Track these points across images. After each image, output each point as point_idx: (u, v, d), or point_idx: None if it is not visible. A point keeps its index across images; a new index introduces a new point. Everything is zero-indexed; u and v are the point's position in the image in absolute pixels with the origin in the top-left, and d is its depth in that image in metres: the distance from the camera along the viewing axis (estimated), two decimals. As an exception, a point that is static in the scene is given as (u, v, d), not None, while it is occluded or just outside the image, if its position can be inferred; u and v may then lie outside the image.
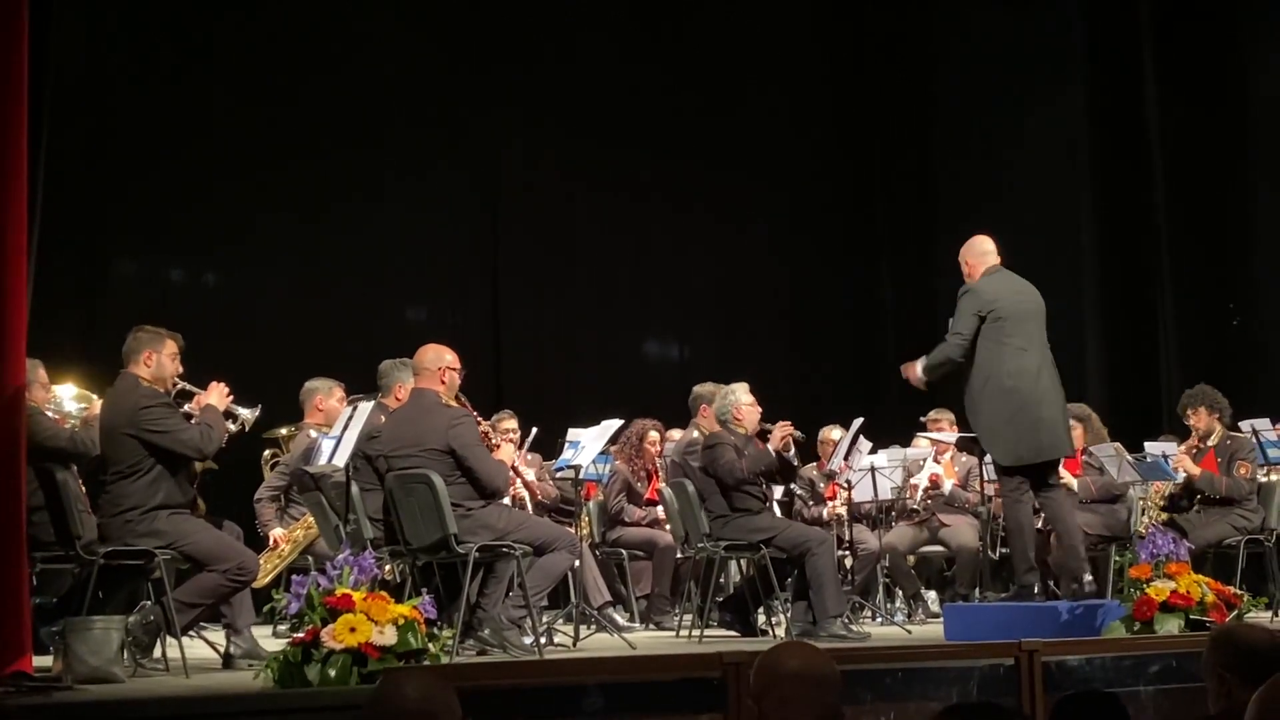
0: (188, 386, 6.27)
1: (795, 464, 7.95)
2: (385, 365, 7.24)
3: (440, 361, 6.57)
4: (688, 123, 12.19)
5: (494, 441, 6.83)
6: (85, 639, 5.23)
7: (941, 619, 7.40)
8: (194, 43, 10.22)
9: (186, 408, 6.20)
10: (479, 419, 6.64)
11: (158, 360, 6.13)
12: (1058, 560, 6.87)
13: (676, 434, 8.96)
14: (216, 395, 6.24)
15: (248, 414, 6.62)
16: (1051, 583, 7.33)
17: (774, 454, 7.41)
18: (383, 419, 6.67)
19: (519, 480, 7.79)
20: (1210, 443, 8.27)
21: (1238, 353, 11.08)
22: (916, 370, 6.99)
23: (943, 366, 6.86)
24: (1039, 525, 7.14)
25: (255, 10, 10.50)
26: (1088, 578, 6.69)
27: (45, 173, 8.30)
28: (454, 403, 6.56)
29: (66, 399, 6.51)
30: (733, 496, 7.37)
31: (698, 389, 8.64)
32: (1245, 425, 8.25)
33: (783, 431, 7.45)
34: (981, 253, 6.94)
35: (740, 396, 7.60)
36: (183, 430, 6.00)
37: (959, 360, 6.78)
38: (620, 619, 8.25)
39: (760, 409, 7.64)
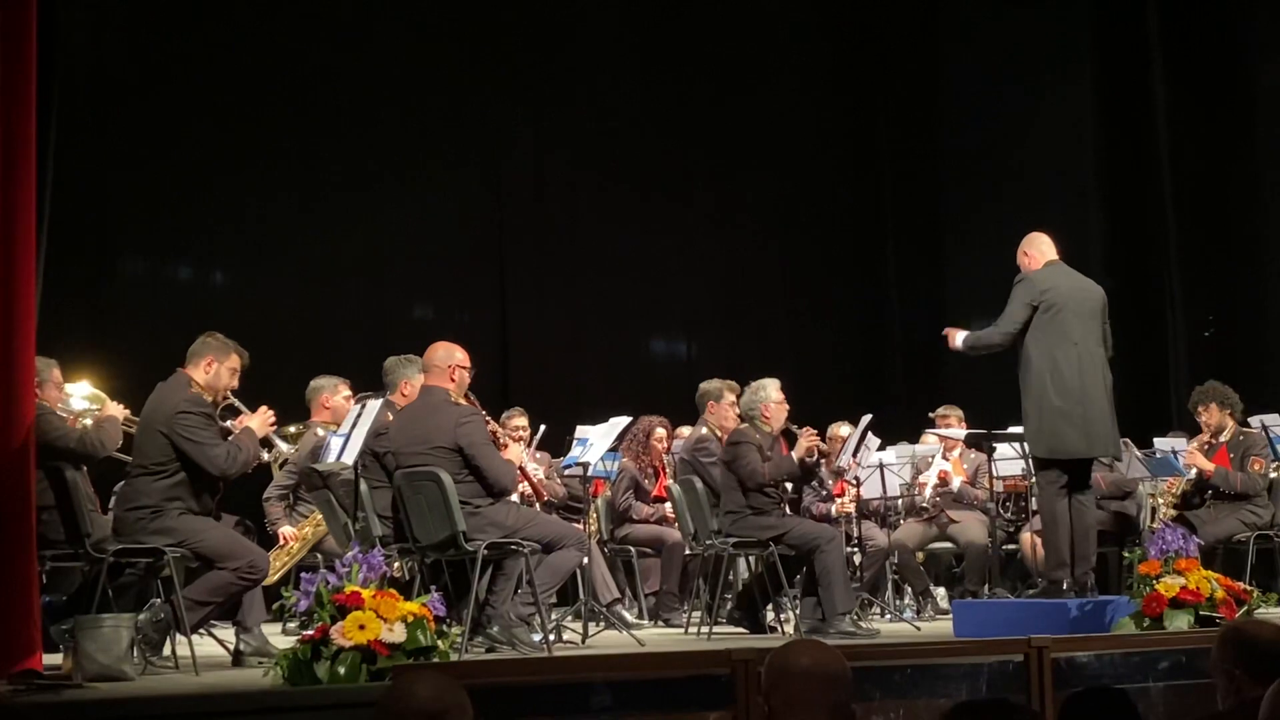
0: (237, 404, 6.27)
1: (817, 472, 7.95)
2: (390, 362, 7.23)
3: (450, 359, 6.57)
4: (694, 121, 12.18)
5: (502, 440, 6.83)
6: (95, 637, 5.23)
7: (950, 615, 7.39)
8: (202, 42, 10.23)
9: (229, 423, 6.21)
10: (487, 418, 6.64)
11: (217, 370, 6.14)
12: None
13: (685, 431, 8.96)
14: (259, 420, 6.24)
15: (285, 447, 6.63)
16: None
17: (797, 462, 7.42)
18: (390, 416, 6.67)
19: (526, 481, 7.78)
20: (1223, 438, 8.26)
21: (1247, 348, 11.06)
22: (958, 340, 6.93)
23: (984, 349, 6.83)
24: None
25: (262, 11, 10.51)
26: (1091, 584, 6.65)
27: (54, 172, 8.36)
28: (463, 401, 6.56)
29: (77, 397, 6.52)
30: (750, 496, 7.38)
31: (704, 386, 8.64)
32: (1255, 421, 8.24)
33: (809, 443, 7.46)
34: (1041, 245, 6.88)
35: (770, 393, 7.59)
36: (211, 445, 5.99)
37: (1001, 345, 6.73)
38: (629, 616, 8.26)
39: (789, 407, 7.64)
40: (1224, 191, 11.47)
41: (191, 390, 6.06)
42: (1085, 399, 6.58)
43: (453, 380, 6.54)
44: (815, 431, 7.57)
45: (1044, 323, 6.63)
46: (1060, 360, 6.58)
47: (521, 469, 6.91)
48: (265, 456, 6.43)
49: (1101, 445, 6.71)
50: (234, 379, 6.20)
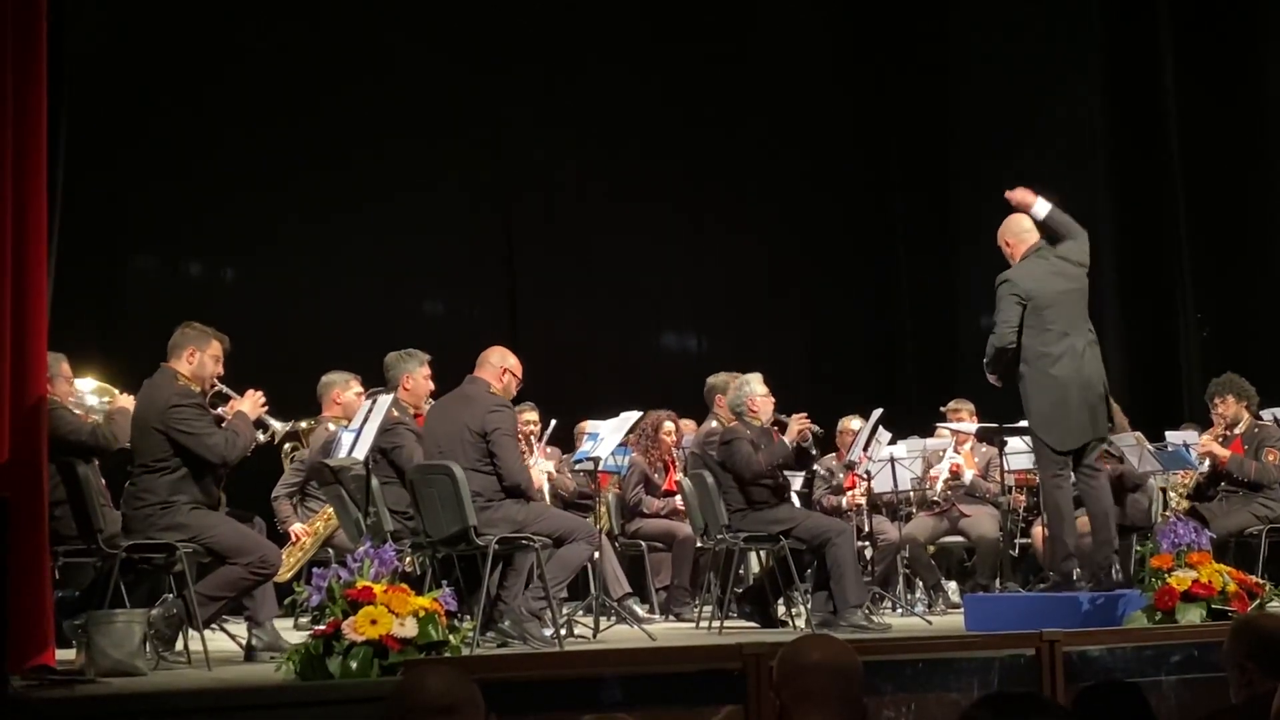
0: (225, 390, 6.28)
1: (814, 453, 7.94)
2: (391, 358, 7.21)
3: (504, 362, 6.74)
4: (704, 113, 12.17)
5: (530, 462, 6.95)
6: (107, 632, 5.25)
7: (962, 609, 7.39)
8: (211, 41, 10.23)
9: (220, 410, 6.22)
10: (521, 435, 6.72)
11: (200, 359, 6.14)
12: (1082, 549, 6.76)
13: (690, 424, 8.97)
14: (250, 403, 6.25)
15: (279, 426, 6.64)
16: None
17: (790, 447, 7.41)
18: (395, 413, 6.67)
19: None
20: (1238, 430, 8.22)
21: (1260, 340, 11.02)
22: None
23: (1000, 357, 6.69)
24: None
25: (273, 11, 10.52)
26: (1115, 569, 6.59)
27: (65, 168, 8.37)
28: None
29: (87, 393, 6.54)
30: (750, 491, 7.38)
31: (712, 380, 8.65)
32: (1267, 414, 8.22)
33: (799, 425, 7.45)
34: (1020, 230, 6.83)
35: (754, 387, 7.61)
36: (209, 434, 6.00)
37: (1010, 345, 6.63)
38: (640, 610, 8.26)
39: (774, 399, 7.65)
40: (1236, 186, 11.42)
41: (179, 383, 6.06)
42: (1089, 385, 6.56)
43: (500, 381, 6.68)
44: (805, 415, 7.55)
45: (1033, 319, 6.59)
46: (1059, 352, 6.55)
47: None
48: (261, 438, 6.43)
49: (1101, 426, 6.65)
50: (218, 366, 6.20)
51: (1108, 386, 6.76)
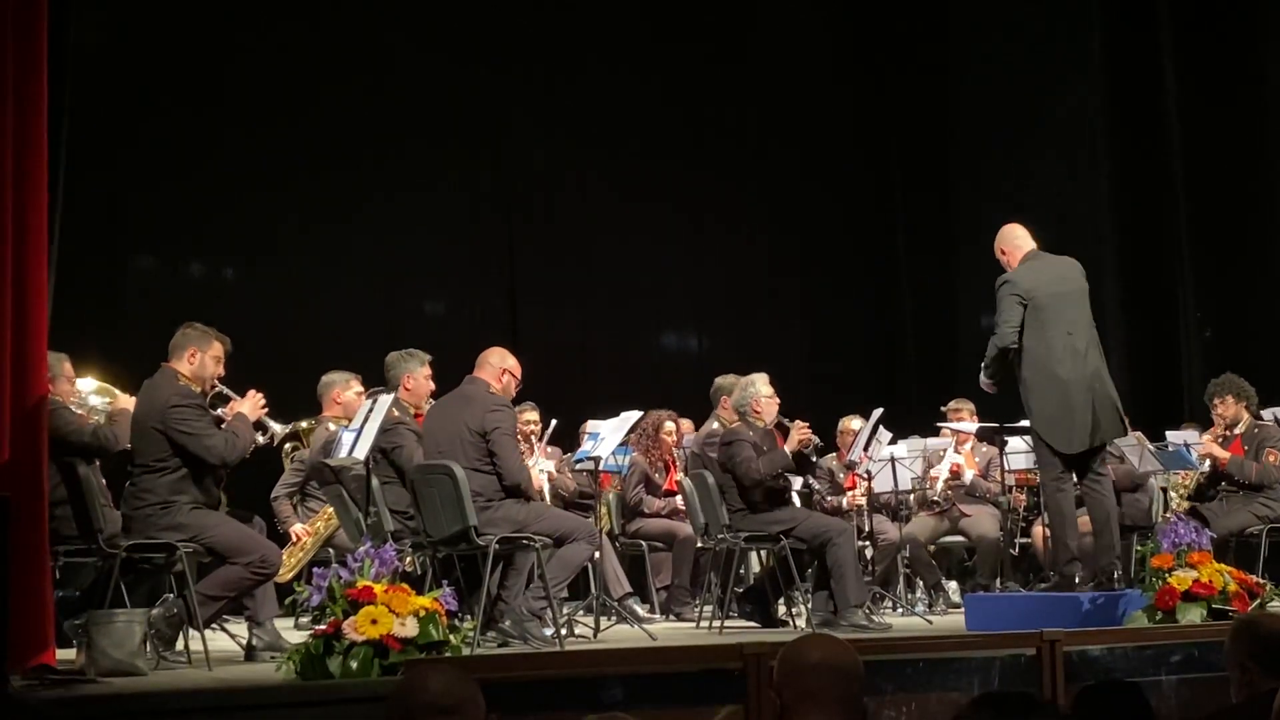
0: (225, 390, 6.28)
1: (814, 460, 7.94)
2: (392, 357, 7.20)
3: (504, 363, 6.76)
4: (705, 113, 12.17)
5: (531, 462, 6.97)
6: (108, 632, 5.25)
7: (962, 609, 7.38)
8: (212, 41, 10.23)
9: (220, 411, 6.21)
10: (521, 435, 6.74)
11: (201, 359, 6.14)
12: (1084, 548, 6.75)
13: (688, 424, 8.97)
14: (250, 404, 6.25)
15: (279, 428, 6.64)
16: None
17: (790, 454, 7.41)
18: (395, 413, 6.67)
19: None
20: (1237, 431, 8.22)
21: (1260, 340, 11.02)
22: (988, 388, 6.85)
23: (1002, 358, 6.66)
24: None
25: (273, 13, 10.52)
26: (1118, 574, 6.56)
27: (65, 168, 8.37)
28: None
29: (88, 393, 6.54)
30: (750, 494, 7.38)
31: (719, 380, 8.65)
32: (1268, 414, 8.21)
33: (800, 435, 7.44)
34: (1014, 238, 6.82)
35: (759, 388, 7.60)
36: (208, 435, 6.00)
37: (1013, 345, 6.59)
38: (640, 610, 8.26)
39: (779, 401, 7.64)
40: (1237, 187, 11.42)
41: (179, 383, 6.06)
42: (1094, 385, 6.55)
43: (500, 381, 6.70)
44: (806, 424, 7.55)
45: (1035, 321, 6.57)
46: (1062, 353, 6.53)
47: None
48: (260, 440, 6.44)
49: (1115, 428, 6.66)
50: (219, 367, 6.20)
51: (1112, 387, 6.74)
